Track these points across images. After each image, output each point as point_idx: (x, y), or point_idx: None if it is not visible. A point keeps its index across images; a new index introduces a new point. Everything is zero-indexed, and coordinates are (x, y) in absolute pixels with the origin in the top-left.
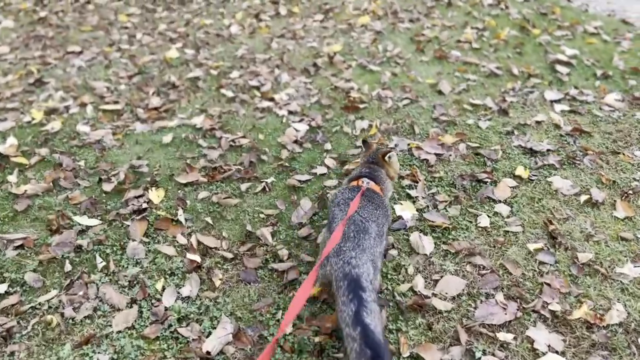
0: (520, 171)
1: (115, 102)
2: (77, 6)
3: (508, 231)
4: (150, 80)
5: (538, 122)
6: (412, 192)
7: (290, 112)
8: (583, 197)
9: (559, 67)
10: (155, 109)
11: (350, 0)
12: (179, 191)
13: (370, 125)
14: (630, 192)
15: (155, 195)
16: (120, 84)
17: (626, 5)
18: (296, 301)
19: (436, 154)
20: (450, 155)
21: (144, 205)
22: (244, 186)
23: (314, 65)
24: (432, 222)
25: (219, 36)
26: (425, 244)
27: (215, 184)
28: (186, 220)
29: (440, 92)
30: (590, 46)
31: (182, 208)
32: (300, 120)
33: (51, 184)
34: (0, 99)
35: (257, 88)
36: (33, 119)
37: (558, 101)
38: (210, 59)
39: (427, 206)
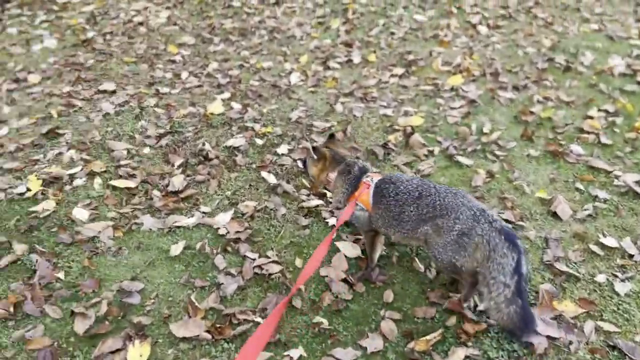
0: None
1: (131, 176)
2: (128, 27)
3: None
4: (181, 146)
5: None
6: None
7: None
8: None
9: None
10: (175, 193)
11: (439, 51)
12: (170, 350)
13: None
14: None
15: (137, 353)
16: (144, 147)
17: None
18: (312, 262)
19: (549, 337)
20: (571, 341)
21: None
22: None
23: (384, 145)
24: None
25: (275, 87)
26: None
27: (221, 346)
28: None
29: (555, 215)
30: None
31: None
32: (355, 241)
33: (12, 308)
34: (1, 153)
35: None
36: (28, 190)
37: None
38: (259, 120)
39: None
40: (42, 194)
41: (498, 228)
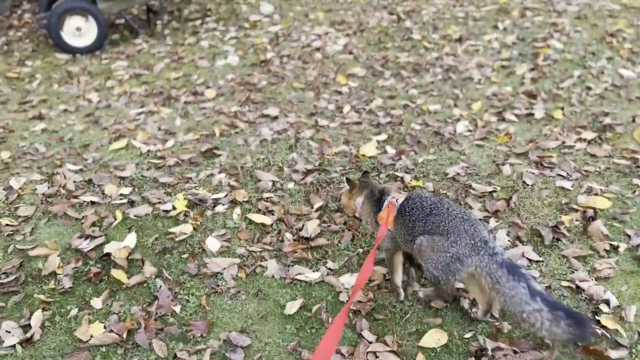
0: None
1: (269, 212)
2: (305, 52)
3: None
4: (324, 186)
5: None
6: None
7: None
8: None
9: None
10: (307, 239)
11: None
12: None
13: None
14: None
15: None
16: (289, 181)
17: None
18: (363, 272)
19: None
20: None
21: None
22: None
23: (555, 228)
24: None
25: (437, 134)
26: None
27: None
28: None
29: None
30: None
31: None
32: None
33: (125, 334)
34: (162, 166)
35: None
36: (173, 208)
37: None
38: (411, 170)
39: None
40: (185, 215)
41: (499, 261)
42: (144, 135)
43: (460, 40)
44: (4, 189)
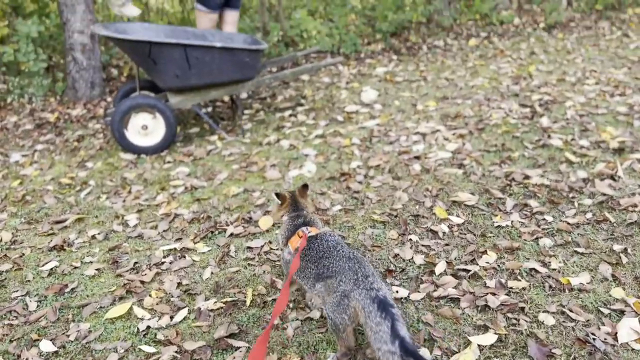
0: None
1: None
2: (401, 161)
3: None
4: None
5: None
6: None
7: None
8: None
9: None
10: None
11: None
12: None
13: None
14: None
15: None
16: None
17: None
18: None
19: None
20: None
21: None
22: None
23: None
24: None
25: (583, 344)
26: None
27: None
28: None
29: None
30: None
31: None
32: None
33: None
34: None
35: None
36: None
37: None
38: None
39: None
40: None
41: (373, 296)
42: (155, 296)
43: (620, 152)
44: None
